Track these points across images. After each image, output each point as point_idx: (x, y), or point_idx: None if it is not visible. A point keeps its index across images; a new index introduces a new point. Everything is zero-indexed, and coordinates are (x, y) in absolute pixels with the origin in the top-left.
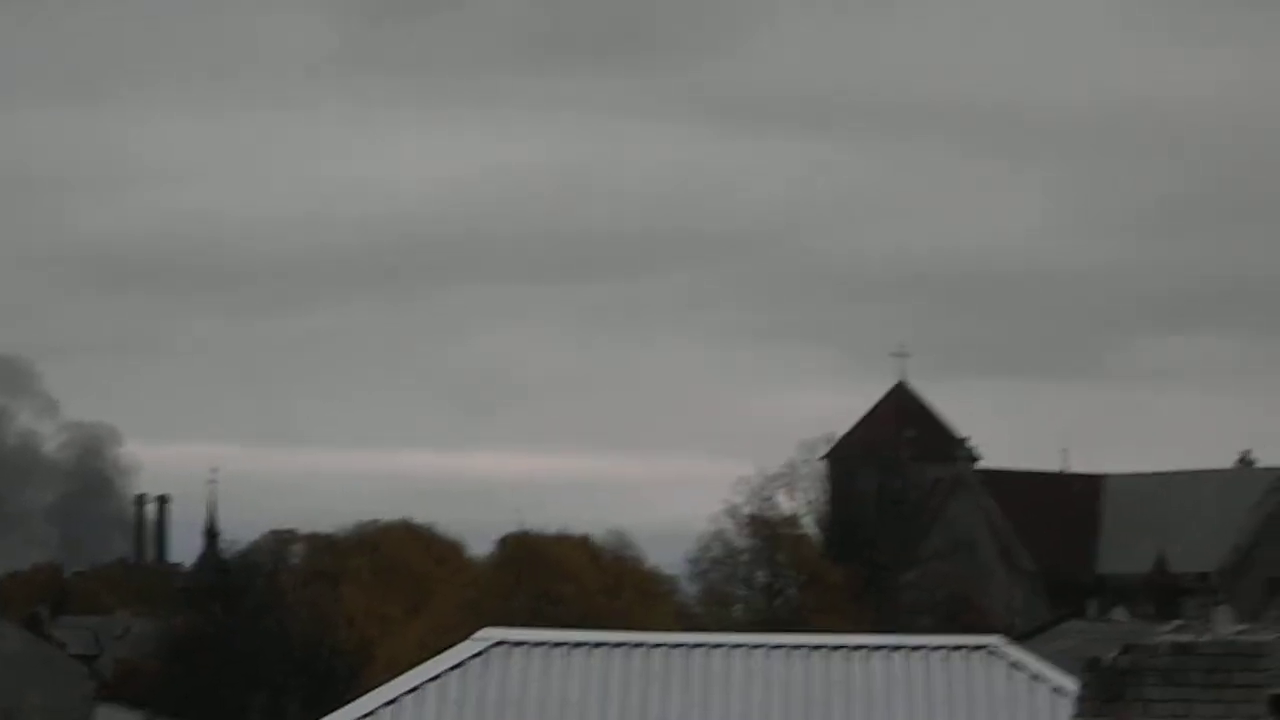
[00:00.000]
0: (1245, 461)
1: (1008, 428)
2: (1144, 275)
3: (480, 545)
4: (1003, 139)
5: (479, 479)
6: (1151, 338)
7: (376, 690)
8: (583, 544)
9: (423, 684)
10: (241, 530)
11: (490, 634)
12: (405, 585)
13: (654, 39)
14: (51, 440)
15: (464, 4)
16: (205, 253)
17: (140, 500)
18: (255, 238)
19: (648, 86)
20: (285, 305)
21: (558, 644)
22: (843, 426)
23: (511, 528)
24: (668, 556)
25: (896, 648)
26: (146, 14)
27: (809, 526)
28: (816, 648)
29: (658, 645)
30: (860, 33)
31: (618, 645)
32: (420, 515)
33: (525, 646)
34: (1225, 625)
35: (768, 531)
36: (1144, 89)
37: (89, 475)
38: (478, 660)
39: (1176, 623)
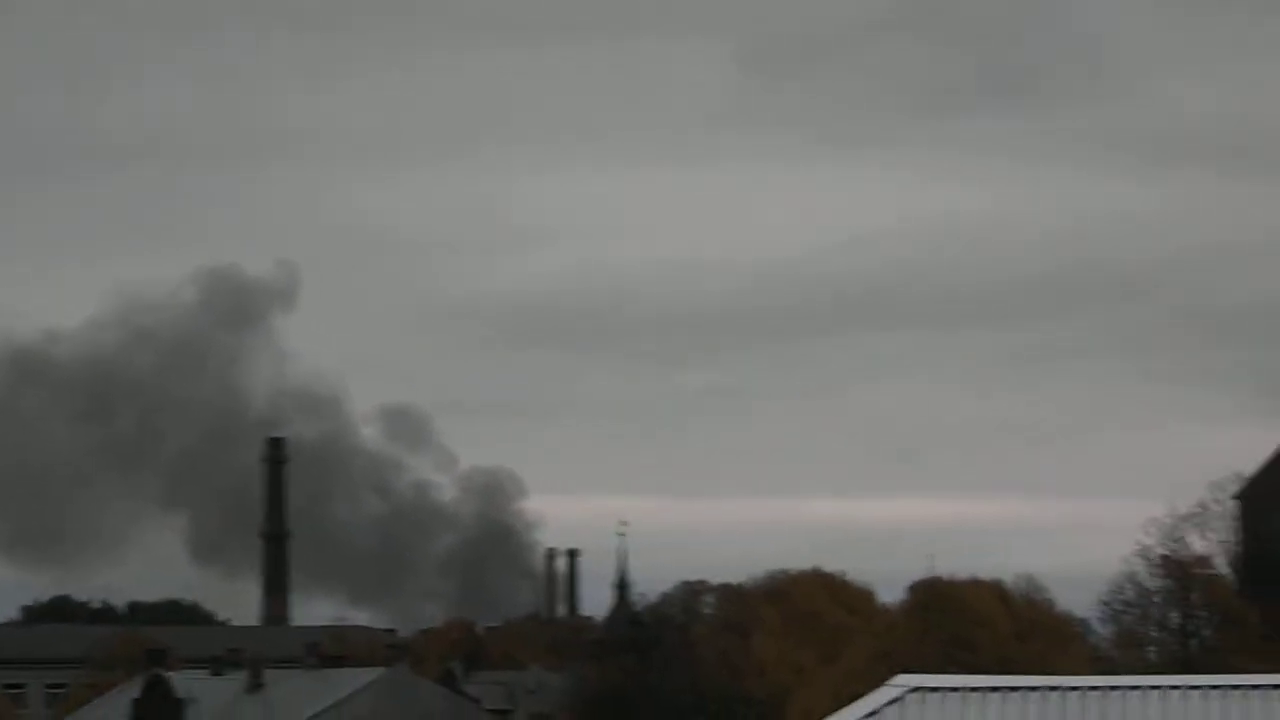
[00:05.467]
0: None
1: None
2: None
3: (890, 593)
4: None
5: (884, 526)
6: None
7: None
8: (994, 589)
9: None
10: (651, 583)
11: (905, 680)
12: (817, 634)
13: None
14: (448, 491)
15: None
16: (602, 309)
17: (550, 554)
18: (649, 293)
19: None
20: (680, 359)
21: (973, 689)
22: (1251, 465)
23: (921, 574)
24: (1078, 600)
25: None
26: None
27: (1221, 567)
28: (1234, 688)
29: (1073, 689)
30: None
31: (1033, 689)
32: (829, 563)
33: (941, 692)
34: None
35: (1180, 573)
36: None
37: (489, 525)
38: (894, 707)
39: None
